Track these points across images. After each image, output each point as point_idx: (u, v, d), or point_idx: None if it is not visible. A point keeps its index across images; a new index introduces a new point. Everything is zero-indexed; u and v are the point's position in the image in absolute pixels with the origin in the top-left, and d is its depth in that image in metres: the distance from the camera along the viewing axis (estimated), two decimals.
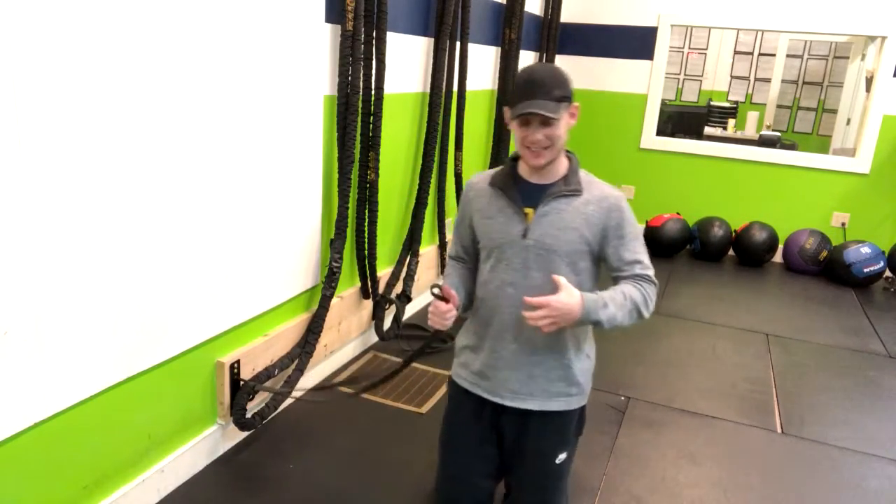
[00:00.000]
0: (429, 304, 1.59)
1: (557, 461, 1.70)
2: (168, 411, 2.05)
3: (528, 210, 1.58)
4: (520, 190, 1.59)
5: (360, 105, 2.62)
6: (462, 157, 3.72)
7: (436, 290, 1.53)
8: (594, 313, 1.48)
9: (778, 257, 5.06)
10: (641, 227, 5.07)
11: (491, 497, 1.80)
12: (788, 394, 2.99)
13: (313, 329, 2.57)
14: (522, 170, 1.61)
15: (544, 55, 5.00)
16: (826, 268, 4.76)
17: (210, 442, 2.24)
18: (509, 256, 1.59)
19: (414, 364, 2.99)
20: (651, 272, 1.59)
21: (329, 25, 2.48)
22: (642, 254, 1.60)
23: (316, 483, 2.18)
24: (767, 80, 7.96)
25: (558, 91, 1.47)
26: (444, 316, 1.54)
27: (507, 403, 1.65)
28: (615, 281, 1.61)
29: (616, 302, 1.51)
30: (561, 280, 1.49)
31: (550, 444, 1.69)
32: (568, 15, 5.22)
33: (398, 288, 3.26)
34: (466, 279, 1.72)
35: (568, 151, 1.62)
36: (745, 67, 8.05)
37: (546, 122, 1.47)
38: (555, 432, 1.69)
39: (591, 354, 1.72)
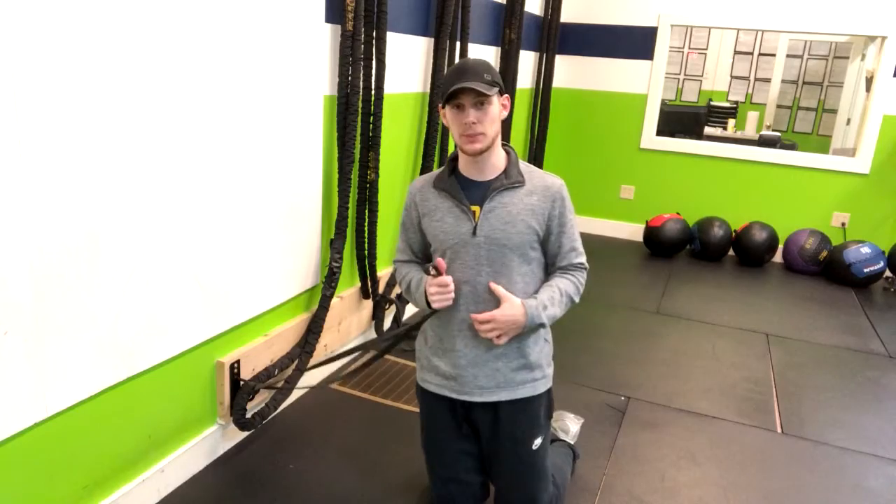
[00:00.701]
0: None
1: (534, 447, 1.74)
2: (168, 411, 2.05)
3: (475, 207, 1.61)
4: (463, 188, 1.63)
5: (360, 105, 2.62)
6: None
7: (432, 271, 1.58)
8: (538, 318, 1.59)
9: (778, 257, 5.05)
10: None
11: (484, 487, 1.85)
12: (788, 394, 2.99)
13: (313, 329, 2.56)
14: (463, 168, 1.64)
15: (544, 55, 5.00)
16: (826, 268, 4.76)
17: (210, 442, 2.24)
18: (462, 256, 1.63)
19: (414, 364, 3.00)
20: (584, 258, 1.70)
21: (329, 25, 2.48)
22: (578, 240, 1.70)
23: (316, 483, 2.18)
24: (767, 80, 7.96)
25: (488, 76, 1.53)
26: (448, 288, 1.59)
27: (477, 400, 1.68)
28: (551, 267, 1.70)
29: (555, 300, 1.62)
30: (500, 291, 1.59)
31: (524, 431, 1.73)
32: (568, 15, 5.22)
33: (398, 288, 3.26)
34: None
35: (506, 145, 1.67)
36: (745, 67, 8.05)
37: (479, 103, 1.52)
38: (526, 418, 1.73)
39: (548, 338, 1.78)
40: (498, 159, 1.63)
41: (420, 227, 1.72)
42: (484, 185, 1.62)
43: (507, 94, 1.62)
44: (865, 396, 3.02)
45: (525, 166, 1.66)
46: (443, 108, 1.57)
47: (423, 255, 1.78)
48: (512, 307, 1.58)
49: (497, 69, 4.63)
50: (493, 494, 1.86)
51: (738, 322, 3.83)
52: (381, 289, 3.13)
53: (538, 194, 1.61)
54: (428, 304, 1.62)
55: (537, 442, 1.74)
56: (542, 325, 1.62)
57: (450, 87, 1.52)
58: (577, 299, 1.68)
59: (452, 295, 1.59)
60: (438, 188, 1.66)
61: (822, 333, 3.74)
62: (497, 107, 1.56)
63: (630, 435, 2.58)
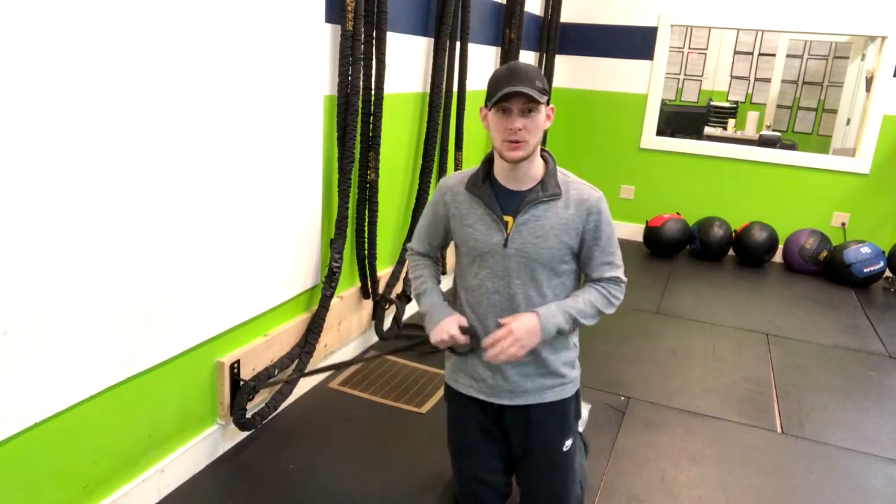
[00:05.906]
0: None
1: (565, 449, 1.74)
2: (168, 411, 2.05)
3: (508, 218, 1.58)
4: (498, 197, 1.59)
5: (360, 105, 2.62)
6: (462, 157, 3.72)
7: (463, 339, 1.61)
8: (552, 318, 1.56)
9: (778, 257, 5.05)
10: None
11: (509, 486, 1.85)
12: (788, 394, 2.99)
13: (313, 329, 2.56)
14: (499, 175, 1.60)
15: (544, 55, 5.00)
16: (826, 268, 4.76)
17: (210, 442, 2.24)
18: (492, 265, 1.61)
19: (414, 364, 3.00)
20: (619, 272, 1.65)
21: (329, 25, 2.48)
22: (614, 254, 1.65)
23: (316, 483, 2.18)
24: (767, 80, 7.96)
25: (539, 83, 1.48)
26: (453, 342, 1.63)
27: (506, 403, 1.68)
28: (585, 278, 1.67)
29: (575, 306, 1.59)
30: (506, 321, 1.56)
31: (554, 434, 1.73)
32: (568, 15, 5.22)
33: (398, 288, 3.26)
34: (438, 277, 1.80)
35: (545, 151, 1.63)
36: (745, 67, 8.05)
37: (527, 110, 1.47)
38: (555, 420, 1.73)
39: (576, 343, 1.76)
40: (536, 168, 1.58)
41: (445, 227, 1.70)
42: (519, 196, 1.57)
43: (552, 106, 1.56)
44: (865, 396, 3.02)
45: (563, 175, 1.61)
46: (487, 109, 1.52)
47: (440, 251, 1.80)
48: (525, 317, 1.55)
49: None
50: (520, 496, 1.86)
51: (738, 322, 3.83)
52: (381, 289, 3.13)
53: (573, 207, 1.57)
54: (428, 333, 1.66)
55: (568, 444, 1.75)
56: (560, 331, 1.57)
57: (499, 90, 1.44)
58: (608, 311, 1.63)
59: (450, 342, 1.62)
60: (472, 193, 1.61)
61: (822, 333, 3.74)
62: (544, 116, 1.52)
63: (630, 435, 2.58)
